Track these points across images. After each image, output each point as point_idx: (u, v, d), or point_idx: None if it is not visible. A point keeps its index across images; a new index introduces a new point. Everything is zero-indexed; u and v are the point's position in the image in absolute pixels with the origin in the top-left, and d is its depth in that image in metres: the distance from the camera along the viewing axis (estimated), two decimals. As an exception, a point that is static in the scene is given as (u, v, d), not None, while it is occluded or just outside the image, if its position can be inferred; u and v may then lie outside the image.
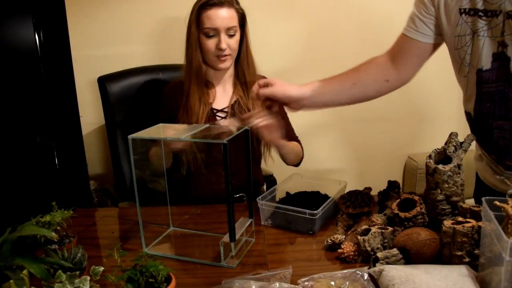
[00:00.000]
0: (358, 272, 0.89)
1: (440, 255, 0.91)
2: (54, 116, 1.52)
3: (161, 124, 1.13)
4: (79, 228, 1.19)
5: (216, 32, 1.41)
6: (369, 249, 0.95)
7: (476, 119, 1.06)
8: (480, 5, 0.97)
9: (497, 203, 0.79)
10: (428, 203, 1.04)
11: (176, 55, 1.63)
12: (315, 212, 1.10)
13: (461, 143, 1.03)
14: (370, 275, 0.89)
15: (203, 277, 0.96)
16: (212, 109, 1.50)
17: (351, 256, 0.97)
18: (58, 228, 1.00)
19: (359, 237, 0.97)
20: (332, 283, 0.86)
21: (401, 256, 0.91)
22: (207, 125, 1.10)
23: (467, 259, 0.87)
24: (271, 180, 1.76)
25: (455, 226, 0.86)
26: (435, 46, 1.13)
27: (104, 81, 1.67)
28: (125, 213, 1.40)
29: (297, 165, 1.57)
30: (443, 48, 1.14)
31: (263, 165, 1.64)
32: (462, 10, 1.00)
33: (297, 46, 2.09)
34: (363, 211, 1.16)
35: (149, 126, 1.09)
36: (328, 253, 1.03)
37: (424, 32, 1.10)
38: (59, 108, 1.56)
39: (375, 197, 1.22)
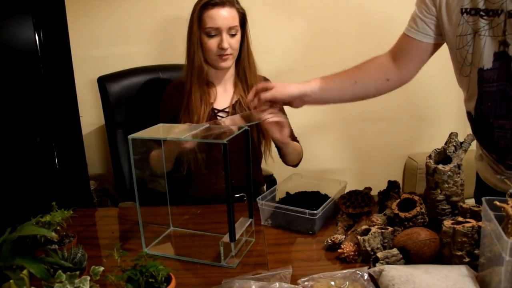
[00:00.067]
0: (358, 272, 0.89)
1: (440, 255, 0.91)
2: (54, 116, 1.52)
3: (161, 124, 1.13)
4: (79, 228, 1.19)
5: (218, 32, 1.41)
6: (369, 249, 0.95)
7: (477, 118, 1.06)
8: (481, 5, 0.97)
9: (497, 203, 0.79)
10: (428, 203, 1.04)
11: (176, 55, 1.63)
12: (315, 212, 1.10)
13: (461, 143, 1.03)
14: (370, 275, 0.89)
15: (203, 277, 0.96)
16: (213, 109, 1.50)
17: (351, 256, 0.97)
18: (58, 228, 1.00)
19: (359, 237, 0.97)
20: (332, 283, 0.86)
21: (401, 256, 0.91)
22: (207, 125, 1.10)
23: (467, 259, 0.87)
24: (271, 180, 1.76)
25: (455, 226, 0.86)
26: (436, 46, 1.13)
27: (104, 81, 1.67)
28: (125, 213, 1.40)
29: (296, 165, 1.58)
30: (443, 49, 1.14)
31: (263, 165, 1.64)
32: (464, 10, 1.01)
33: (297, 46, 2.08)
34: (363, 211, 1.16)
35: (149, 126, 1.09)
36: (328, 253, 1.03)
37: (425, 32, 1.11)
38: (59, 108, 1.55)
39: (375, 197, 1.22)
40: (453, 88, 1.23)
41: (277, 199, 1.29)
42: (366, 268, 0.91)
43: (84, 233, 1.18)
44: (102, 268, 0.78)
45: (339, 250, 0.99)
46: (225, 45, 1.41)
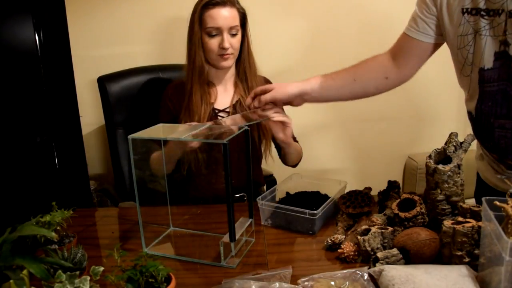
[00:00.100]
0: (358, 272, 0.89)
1: (440, 255, 0.91)
2: (54, 116, 1.52)
3: (161, 124, 1.13)
4: (79, 228, 1.19)
5: (219, 32, 1.41)
6: (369, 249, 0.95)
7: (478, 118, 1.06)
8: (482, 5, 0.97)
9: (497, 203, 0.79)
10: (428, 203, 1.04)
11: (176, 55, 1.62)
12: (315, 212, 1.10)
13: (461, 143, 1.03)
14: (370, 275, 0.89)
15: (203, 277, 0.96)
16: (214, 109, 1.50)
17: (351, 256, 0.97)
18: (58, 228, 1.00)
19: (359, 237, 0.97)
20: (332, 283, 0.86)
21: (401, 256, 0.91)
22: (208, 124, 1.10)
23: (467, 259, 0.87)
24: (271, 180, 1.76)
25: (455, 226, 0.86)
26: (436, 46, 1.14)
27: (104, 81, 1.67)
28: (125, 213, 1.40)
29: (295, 165, 1.58)
30: (443, 49, 1.14)
31: (263, 165, 1.64)
32: (465, 10, 1.01)
33: (297, 46, 2.08)
34: (363, 211, 1.16)
35: (149, 126, 1.09)
36: (328, 253, 1.03)
37: (425, 32, 1.11)
38: (59, 108, 1.55)
39: (375, 197, 1.22)
40: (453, 88, 1.23)
41: (277, 199, 1.29)
42: (366, 268, 0.91)
43: (84, 233, 1.18)
44: (102, 268, 0.78)
45: (339, 250, 0.99)
46: (226, 44, 1.41)
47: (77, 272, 0.74)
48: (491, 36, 0.98)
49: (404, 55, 1.17)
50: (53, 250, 0.92)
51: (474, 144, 1.09)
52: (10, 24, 1.40)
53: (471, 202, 1.04)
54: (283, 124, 1.28)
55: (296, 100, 1.22)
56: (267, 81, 1.60)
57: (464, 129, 1.15)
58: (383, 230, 0.98)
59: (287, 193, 1.30)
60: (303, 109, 1.27)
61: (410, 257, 0.91)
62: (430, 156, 1.03)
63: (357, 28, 2.07)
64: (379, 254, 0.91)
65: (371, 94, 1.23)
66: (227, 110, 1.51)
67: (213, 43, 1.42)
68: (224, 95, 1.53)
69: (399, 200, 1.06)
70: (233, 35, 1.43)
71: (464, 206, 0.95)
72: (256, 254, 1.05)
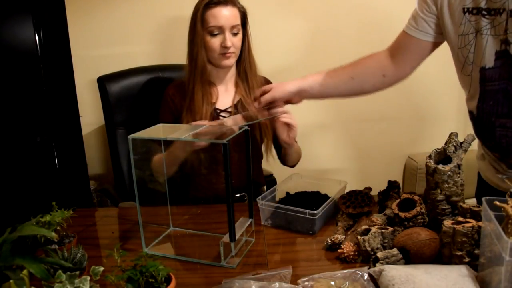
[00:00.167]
0: (358, 272, 0.89)
1: (440, 255, 0.91)
2: (54, 116, 1.52)
3: (161, 124, 1.13)
4: (79, 228, 1.19)
5: (220, 31, 1.41)
6: (369, 249, 0.95)
7: (479, 117, 1.06)
8: (483, 4, 0.97)
9: (497, 203, 0.79)
10: (428, 203, 1.04)
11: (176, 55, 1.62)
12: (315, 212, 1.10)
13: (461, 143, 1.03)
14: (370, 275, 0.89)
15: (203, 277, 0.96)
16: (216, 109, 1.50)
17: (351, 256, 0.97)
18: (58, 228, 1.00)
19: (359, 237, 0.97)
20: (332, 283, 0.86)
21: (401, 256, 0.91)
22: (207, 124, 1.10)
23: (467, 259, 0.87)
24: (271, 180, 1.76)
25: (455, 226, 0.86)
26: (435, 44, 1.14)
27: (104, 81, 1.67)
28: (125, 213, 1.40)
29: (294, 166, 1.58)
30: (443, 48, 1.14)
31: (263, 165, 1.64)
32: (466, 9, 1.01)
33: (297, 46, 2.08)
34: (363, 211, 1.16)
35: (149, 126, 1.09)
36: (328, 253, 1.03)
37: (425, 31, 1.11)
38: (59, 108, 1.55)
39: (375, 197, 1.22)
40: (453, 88, 1.23)
41: (277, 199, 1.29)
42: (366, 268, 0.91)
43: (84, 233, 1.18)
44: (102, 268, 0.78)
45: (339, 250, 0.99)
46: (229, 43, 1.41)
47: (77, 272, 0.74)
48: (492, 35, 0.98)
49: (403, 53, 1.17)
50: (53, 250, 0.92)
51: (474, 144, 1.09)
52: (10, 24, 1.40)
53: (471, 202, 1.04)
54: (288, 126, 1.30)
55: (295, 98, 1.23)
56: (267, 81, 1.60)
57: (464, 129, 1.15)
58: (383, 230, 0.98)
59: (287, 193, 1.30)
60: (303, 109, 1.27)
61: (410, 257, 0.91)
62: (430, 156, 1.03)
63: (357, 28, 2.07)
64: (379, 254, 0.91)
65: (368, 92, 1.24)
66: (229, 110, 1.51)
67: (215, 42, 1.42)
68: (225, 95, 1.53)
69: (399, 200, 1.06)
70: (235, 34, 1.43)
71: (464, 206, 0.95)
72: (256, 254, 1.05)
